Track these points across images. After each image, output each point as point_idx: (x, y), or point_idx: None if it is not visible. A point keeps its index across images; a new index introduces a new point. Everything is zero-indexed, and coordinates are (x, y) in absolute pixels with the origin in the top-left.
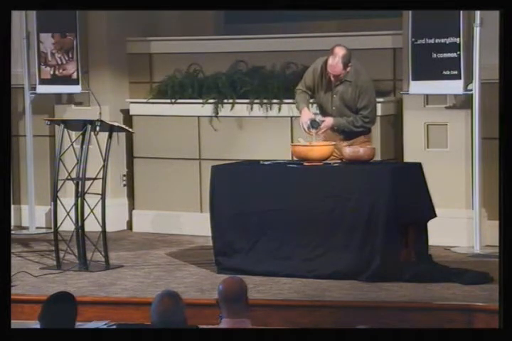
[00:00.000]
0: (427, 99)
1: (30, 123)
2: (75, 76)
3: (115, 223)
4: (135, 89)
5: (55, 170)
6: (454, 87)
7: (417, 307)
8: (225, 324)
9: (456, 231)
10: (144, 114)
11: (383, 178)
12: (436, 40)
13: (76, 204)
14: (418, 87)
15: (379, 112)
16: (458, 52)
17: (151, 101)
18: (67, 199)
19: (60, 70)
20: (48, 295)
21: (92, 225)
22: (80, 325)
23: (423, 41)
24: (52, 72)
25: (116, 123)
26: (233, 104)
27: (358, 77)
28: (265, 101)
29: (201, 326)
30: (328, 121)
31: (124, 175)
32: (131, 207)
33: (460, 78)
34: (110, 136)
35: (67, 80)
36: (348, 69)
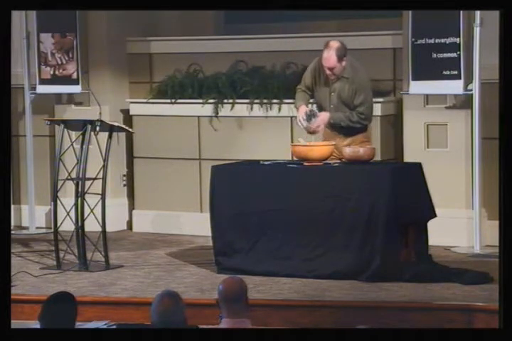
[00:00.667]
0: (427, 99)
1: (30, 123)
2: (75, 76)
3: (115, 223)
4: (135, 89)
5: (55, 170)
6: (454, 87)
7: (417, 307)
8: (225, 324)
9: (456, 231)
10: (144, 114)
11: (383, 178)
12: (436, 40)
13: (76, 204)
14: (418, 87)
15: (379, 112)
16: (458, 52)
17: (151, 101)
18: (67, 199)
19: (60, 70)
20: (48, 295)
21: (92, 225)
22: (79, 325)
23: (423, 41)
24: (52, 72)
25: (116, 123)
26: (233, 104)
27: (356, 73)
28: (265, 101)
29: (201, 326)
30: (325, 114)
31: (124, 175)
32: (131, 207)
33: (460, 78)
34: (110, 136)
35: (67, 80)
36: (344, 63)
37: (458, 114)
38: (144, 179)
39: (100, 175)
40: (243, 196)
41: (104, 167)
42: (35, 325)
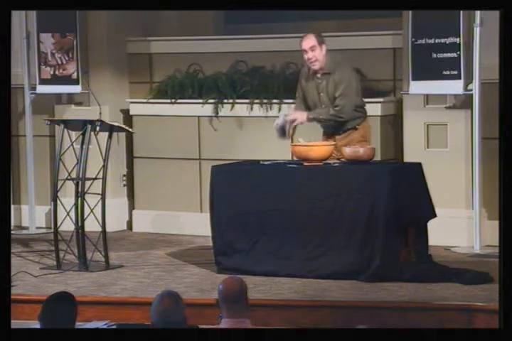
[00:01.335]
0: (427, 99)
1: (30, 123)
2: (75, 76)
3: (115, 223)
4: (135, 89)
5: (55, 170)
6: (454, 87)
7: (417, 307)
8: (225, 324)
9: (456, 231)
10: (144, 114)
11: (383, 178)
12: (436, 40)
13: (76, 204)
14: (418, 87)
15: (379, 112)
16: (458, 52)
17: (151, 101)
18: (67, 199)
19: (60, 70)
20: (48, 295)
21: (92, 225)
22: (79, 325)
23: (423, 41)
24: (52, 72)
25: (116, 123)
26: (233, 104)
27: (337, 66)
28: (265, 101)
29: (201, 326)
30: (301, 115)
31: (124, 175)
32: (131, 207)
33: (460, 78)
34: (110, 136)
35: (67, 80)
36: (324, 51)
37: (458, 114)
38: (144, 179)
39: (100, 175)
40: (243, 196)
41: (104, 167)
42: (35, 325)
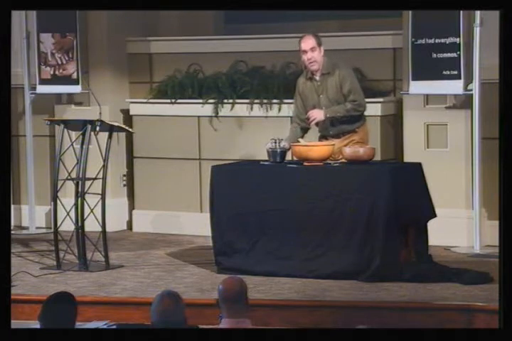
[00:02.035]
0: (427, 99)
1: (30, 123)
2: (75, 76)
3: (115, 223)
4: (135, 89)
5: (55, 170)
6: (454, 87)
7: (417, 307)
8: (225, 324)
9: (456, 231)
10: (144, 114)
11: (383, 178)
12: (436, 40)
13: (76, 204)
14: (418, 87)
15: (379, 112)
16: (458, 52)
17: (151, 101)
18: (67, 199)
19: (60, 70)
20: (48, 295)
21: (92, 225)
22: (79, 325)
23: (423, 41)
24: (52, 72)
25: (116, 123)
26: (233, 104)
27: (335, 66)
28: (265, 101)
29: (201, 326)
30: (318, 111)
31: (124, 175)
32: (131, 207)
33: (460, 78)
34: (110, 136)
35: (67, 80)
36: (322, 52)
37: (458, 114)
38: (144, 179)
39: (100, 175)
40: (243, 196)
41: (104, 167)
42: (35, 325)
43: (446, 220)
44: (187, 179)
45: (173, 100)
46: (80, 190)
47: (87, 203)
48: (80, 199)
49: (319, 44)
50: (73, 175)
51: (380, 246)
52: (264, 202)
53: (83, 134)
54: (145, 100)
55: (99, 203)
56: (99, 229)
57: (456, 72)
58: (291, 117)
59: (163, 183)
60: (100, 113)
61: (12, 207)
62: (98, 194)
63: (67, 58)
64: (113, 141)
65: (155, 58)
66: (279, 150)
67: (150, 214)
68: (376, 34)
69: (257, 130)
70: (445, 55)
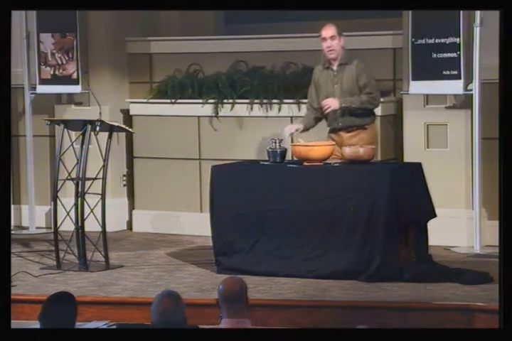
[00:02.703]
0: (427, 99)
1: (30, 123)
2: (75, 76)
3: (115, 223)
4: (135, 89)
5: (55, 170)
6: (454, 87)
7: (417, 307)
8: (225, 324)
9: (456, 231)
10: (144, 114)
11: (383, 178)
12: (436, 40)
13: (76, 204)
14: (418, 87)
15: (379, 112)
16: (458, 52)
17: (151, 101)
18: (67, 199)
19: (60, 70)
20: (48, 295)
21: (92, 225)
22: (79, 325)
23: (423, 41)
24: (52, 72)
25: (116, 123)
26: (233, 104)
27: (352, 59)
28: (265, 101)
29: (201, 326)
30: (333, 100)
31: (124, 175)
32: (131, 207)
33: (460, 78)
34: (110, 136)
35: (67, 80)
36: (342, 44)
37: (458, 114)
38: (143, 179)
39: (100, 175)
40: (243, 196)
41: (104, 167)
42: (35, 325)
43: (446, 220)
44: (187, 179)
45: (173, 100)
46: (79, 190)
47: (87, 203)
48: (79, 199)
49: (339, 34)
50: (73, 175)
51: (380, 246)
52: (264, 202)
53: (83, 134)
54: (145, 100)
55: (99, 203)
56: (99, 229)
57: (456, 72)
58: (291, 117)
59: (163, 183)
60: (100, 113)
61: (12, 207)
62: (98, 194)
63: (67, 58)
64: (113, 141)
65: (155, 58)
66: (279, 150)
67: (150, 214)
68: (376, 34)
69: (257, 130)
70: (445, 55)
